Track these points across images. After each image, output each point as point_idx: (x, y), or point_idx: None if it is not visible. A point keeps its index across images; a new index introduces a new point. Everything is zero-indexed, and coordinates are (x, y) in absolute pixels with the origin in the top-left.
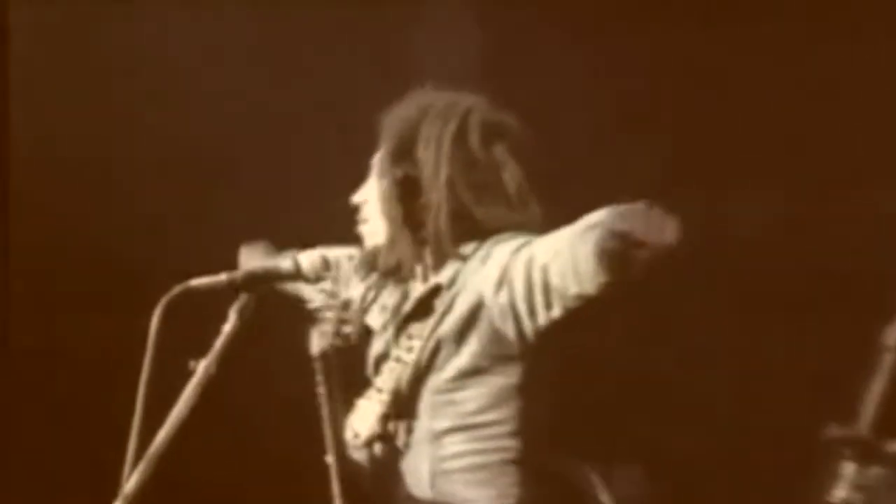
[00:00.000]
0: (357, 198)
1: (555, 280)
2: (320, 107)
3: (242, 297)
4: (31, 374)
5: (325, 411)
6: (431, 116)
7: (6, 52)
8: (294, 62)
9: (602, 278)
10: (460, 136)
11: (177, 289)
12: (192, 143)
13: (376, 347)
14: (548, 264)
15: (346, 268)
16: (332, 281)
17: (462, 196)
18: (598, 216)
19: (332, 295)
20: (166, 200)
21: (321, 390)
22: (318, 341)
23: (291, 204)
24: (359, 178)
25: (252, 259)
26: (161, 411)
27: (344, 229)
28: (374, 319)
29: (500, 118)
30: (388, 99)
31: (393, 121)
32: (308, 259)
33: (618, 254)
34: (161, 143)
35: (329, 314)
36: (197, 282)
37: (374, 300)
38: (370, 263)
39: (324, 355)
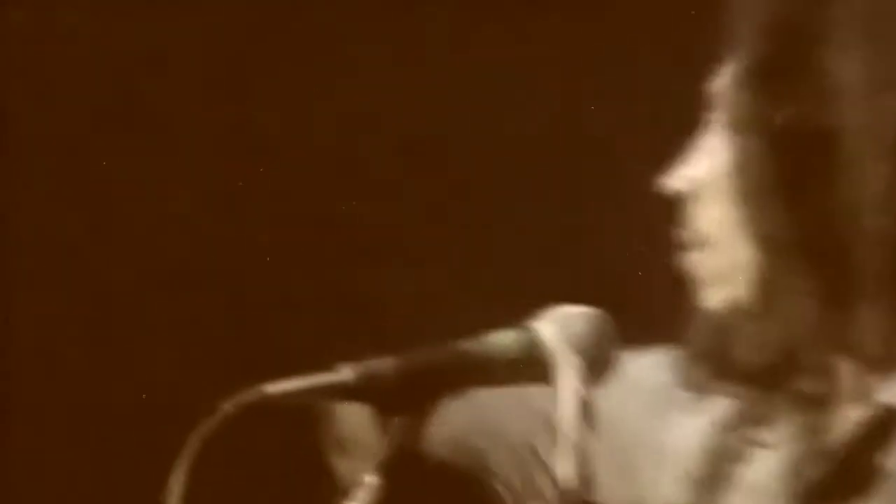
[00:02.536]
0: (678, 181)
1: None
2: None
3: (395, 428)
4: None
5: None
6: None
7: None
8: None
9: None
10: None
11: (237, 401)
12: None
13: None
14: None
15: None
16: None
17: None
18: None
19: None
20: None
21: None
22: None
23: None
24: None
25: None
26: None
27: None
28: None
29: None
30: None
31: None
32: (558, 325)
33: None
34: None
35: None
36: (280, 388)
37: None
38: (712, 348)
39: None
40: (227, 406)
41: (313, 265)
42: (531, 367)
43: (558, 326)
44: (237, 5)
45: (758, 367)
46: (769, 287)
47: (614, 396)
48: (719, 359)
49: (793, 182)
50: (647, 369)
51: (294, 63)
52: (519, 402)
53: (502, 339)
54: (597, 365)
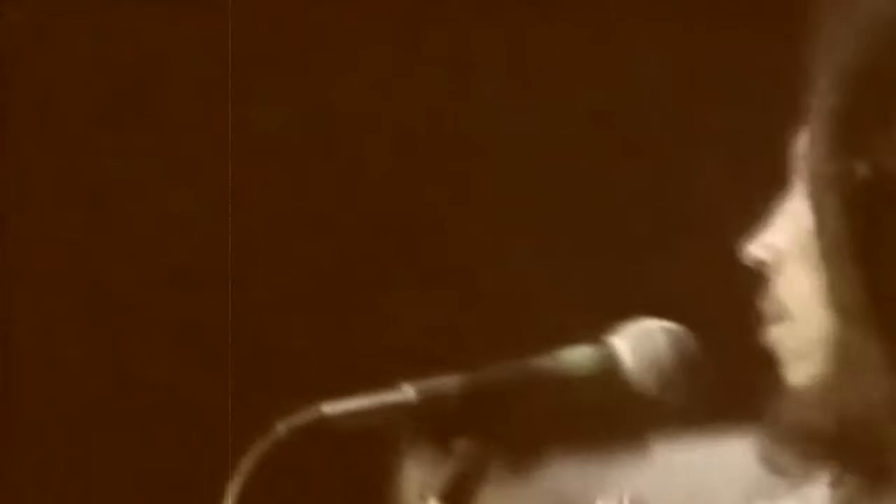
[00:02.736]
0: (758, 249)
1: None
2: None
3: (459, 451)
4: None
5: None
6: None
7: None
8: None
9: None
10: None
11: (291, 424)
12: None
13: None
14: None
15: None
16: None
17: None
18: None
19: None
20: None
21: None
22: None
23: None
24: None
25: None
26: None
27: None
28: None
29: None
30: None
31: (848, 30)
32: (637, 341)
33: None
34: None
35: None
36: (338, 408)
37: None
38: (797, 427)
39: None
40: (280, 428)
41: (315, 266)
42: (608, 386)
43: (636, 342)
44: (237, 5)
45: (843, 448)
46: (850, 361)
47: (698, 485)
48: (805, 439)
49: (871, 244)
50: (730, 456)
51: (294, 63)
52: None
53: (577, 356)
54: (675, 385)
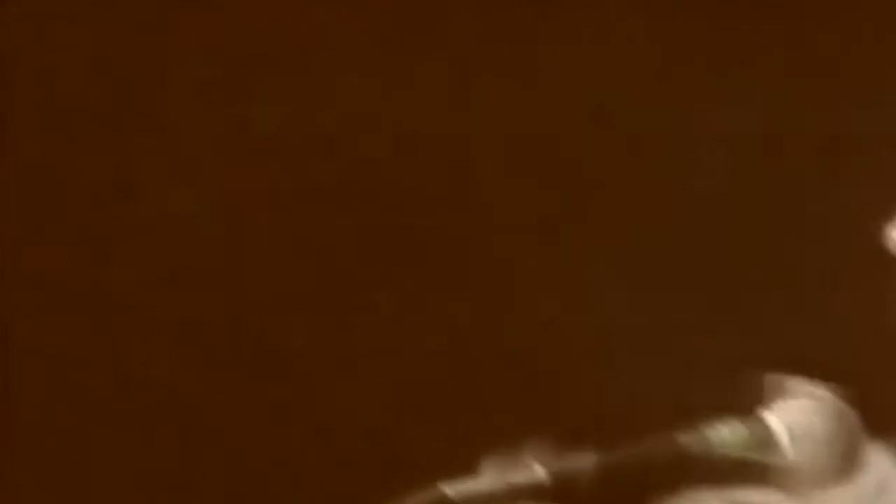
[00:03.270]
0: None
1: None
2: None
3: None
4: None
5: None
6: None
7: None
8: None
9: None
10: None
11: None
12: None
13: None
14: None
15: None
16: None
17: None
18: None
19: None
20: None
21: None
22: None
23: None
24: None
25: None
26: None
27: None
28: None
29: None
30: None
31: None
32: (795, 420)
33: None
34: None
35: None
36: (461, 489)
37: None
38: None
39: None
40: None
41: (315, 266)
42: (762, 469)
43: (794, 419)
44: (237, 5)
45: None
46: None
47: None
48: None
49: None
50: (883, 470)
51: (294, 63)
52: None
53: (728, 434)
54: (839, 470)
